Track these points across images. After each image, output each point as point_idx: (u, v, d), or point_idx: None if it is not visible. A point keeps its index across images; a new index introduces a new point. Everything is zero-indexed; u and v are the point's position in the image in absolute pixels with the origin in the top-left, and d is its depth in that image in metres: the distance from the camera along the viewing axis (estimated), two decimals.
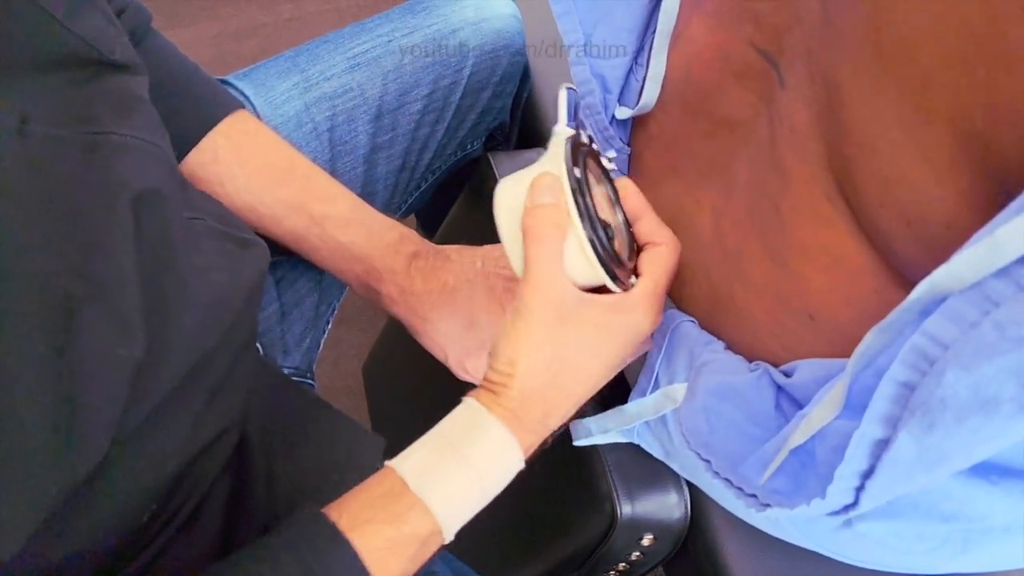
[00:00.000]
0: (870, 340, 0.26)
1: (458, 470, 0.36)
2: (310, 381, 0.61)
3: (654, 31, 0.43)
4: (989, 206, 0.24)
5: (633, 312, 0.38)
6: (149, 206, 0.34)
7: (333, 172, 0.59)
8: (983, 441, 0.22)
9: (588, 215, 0.36)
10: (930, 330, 0.24)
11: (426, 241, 0.52)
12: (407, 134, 0.63)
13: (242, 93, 0.57)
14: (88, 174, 0.32)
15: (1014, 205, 0.22)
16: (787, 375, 0.38)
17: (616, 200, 0.40)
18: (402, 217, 0.69)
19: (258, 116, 0.55)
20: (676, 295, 0.47)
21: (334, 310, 0.62)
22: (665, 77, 0.44)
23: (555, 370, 0.37)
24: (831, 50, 0.29)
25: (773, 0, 0.34)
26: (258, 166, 0.51)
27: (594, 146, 0.40)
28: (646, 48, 0.45)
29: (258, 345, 0.55)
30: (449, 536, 0.36)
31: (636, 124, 0.49)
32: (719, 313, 0.43)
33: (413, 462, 0.36)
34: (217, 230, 0.41)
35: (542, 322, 0.37)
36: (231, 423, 0.41)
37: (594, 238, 0.36)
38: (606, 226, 0.37)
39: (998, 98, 0.23)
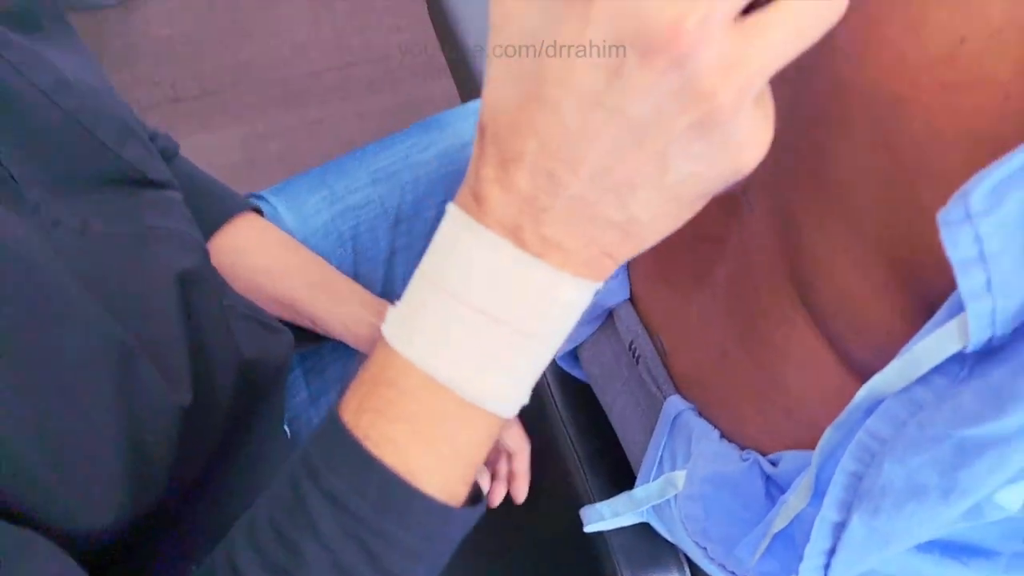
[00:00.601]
0: (828, 436, 0.30)
1: (434, 297, 0.27)
2: None
3: None
4: (919, 320, 0.29)
5: None
6: (191, 283, 0.40)
7: (356, 275, 0.64)
8: (919, 524, 0.26)
9: None
10: (871, 428, 0.28)
11: None
12: (423, 236, 0.69)
13: (274, 208, 0.63)
14: (139, 259, 0.38)
15: (930, 324, 0.26)
16: (774, 464, 0.42)
17: None
18: None
19: (287, 228, 0.62)
20: (678, 383, 0.51)
21: None
22: None
23: (523, 68, 0.24)
24: (785, 186, 0.35)
25: None
26: (263, 259, 0.57)
27: None
28: None
29: (286, 428, 0.60)
30: (490, 396, 0.28)
31: None
32: (713, 405, 0.47)
33: (395, 311, 0.29)
34: (247, 315, 0.47)
35: (499, 26, 0.24)
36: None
37: None
38: None
39: (918, 237, 0.28)
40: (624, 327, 0.53)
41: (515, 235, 0.26)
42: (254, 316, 0.46)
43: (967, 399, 0.24)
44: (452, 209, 0.27)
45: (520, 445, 0.53)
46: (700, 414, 0.47)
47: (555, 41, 0.22)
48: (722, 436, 0.46)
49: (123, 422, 0.34)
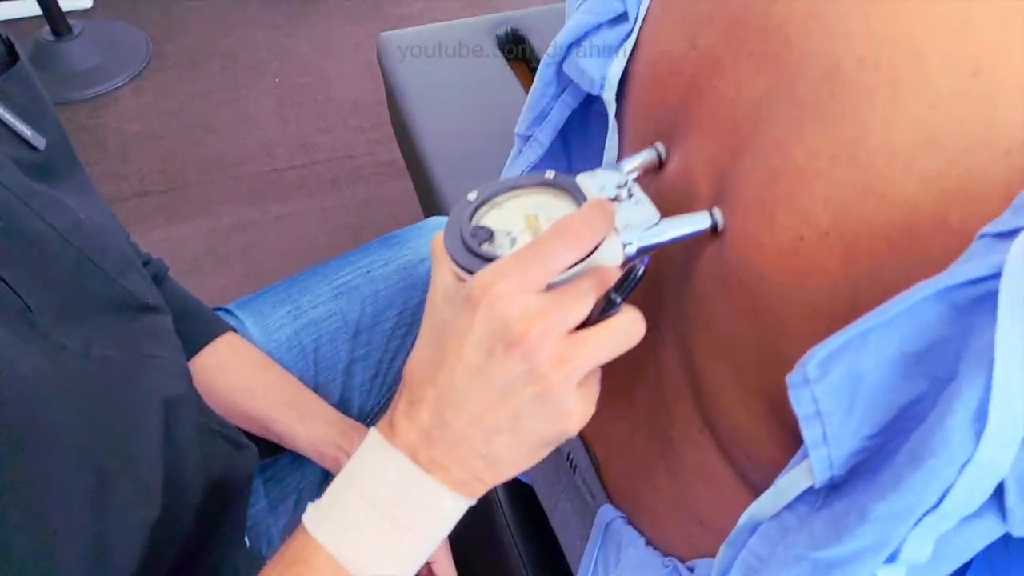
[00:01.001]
0: (722, 552, 0.35)
1: (347, 494, 0.35)
2: None
3: None
4: (794, 452, 0.35)
5: (472, 296, 0.33)
6: (174, 409, 0.44)
7: (316, 385, 0.69)
8: None
9: (461, 219, 0.37)
10: (752, 547, 0.33)
11: None
12: (380, 347, 0.74)
13: (241, 321, 0.68)
14: (131, 383, 0.43)
15: (792, 462, 0.32)
16: (691, 570, 0.47)
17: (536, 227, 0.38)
18: (377, 415, 0.79)
19: (253, 342, 0.66)
20: (610, 492, 0.56)
21: None
22: None
23: (435, 344, 0.35)
24: (686, 328, 0.41)
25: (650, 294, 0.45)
26: (240, 378, 0.62)
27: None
28: None
29: (246, 538, 0.62)
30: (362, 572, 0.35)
31: None
32: (640, 514, 0.52)
33: (314, 505, 0.37)
34: (220, 432, 0.51)
35: (427, 309, 0.36)
36: None
37: (457, 234, 0.36)
38: (482, 228, 0.36)
39: (785, 387, 0.34)
40: None
41: (413, 455, 0.35)
42: (225, 433, 0.50)
43: (818, 526, 0.30)
44: (373, 431, 0.36)
45: (436, 555, 0.57)
46: (629, 522, 0.52)
47: (455, 329, 0.34)
48: (648, 543, 0.51)
49: (91, 538, 0.37)
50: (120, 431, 0.40)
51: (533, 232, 0.37)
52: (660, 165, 0.41)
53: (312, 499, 0.68)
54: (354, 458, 0.36)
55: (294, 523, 0.68)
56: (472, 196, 0.38)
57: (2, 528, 0.33)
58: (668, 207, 0.37)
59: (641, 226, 0.36)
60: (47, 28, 1.91)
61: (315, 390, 0.67)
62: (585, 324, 0.34)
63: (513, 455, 0.35)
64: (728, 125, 0.35)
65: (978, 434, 0.24)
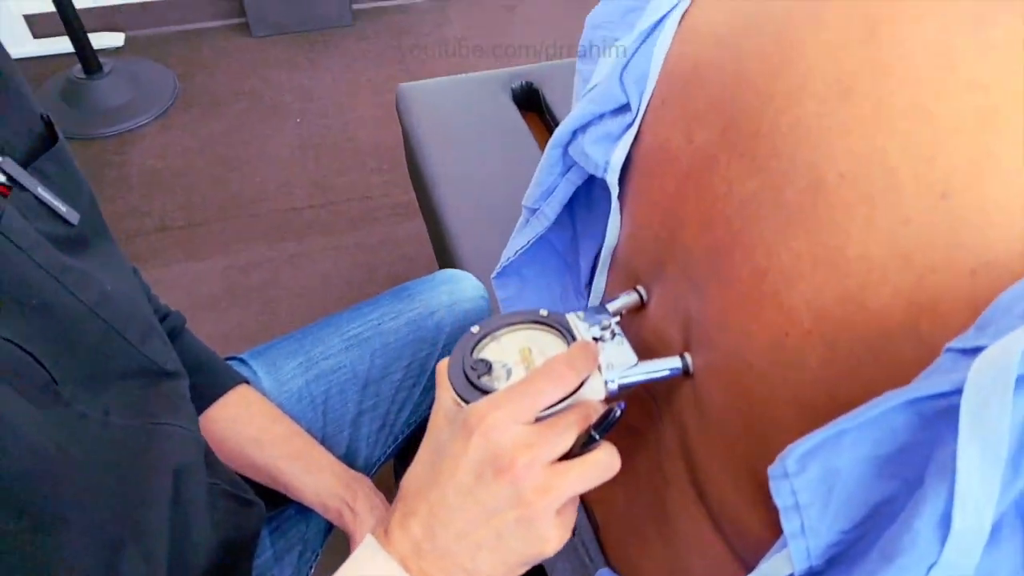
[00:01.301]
0: None
1: None
2: None
3: None
4: (779, 534, 0.36)
5: (468, 423, 0.37)
6: (184, 475, 0.46)
7: (324, 436, 0.70)
8: None
9: (464, 351, 0.41)
10: None
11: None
12: (388, 398, 0.76)
13: (254, 371, 0.70)
14: (145, 451, 0.44)
15: (773, 549, 0.33)
16: None
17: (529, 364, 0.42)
18: (382, 465, 0.80)
19: (264, 392, 0.68)
20: (608, 555, 0.57)
21: (317, 555, 0.71)
22: None
23: (432, 462, 0.39)
24: (681, 406, 0.43)
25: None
26: (251, 430, 0.63)
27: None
28: None
29: None
30: None
31: None
32: None
33: None
34: (228, 492, 0.52)
35: (429, 428, 0.40)
36: None
37: (459, 364, 0.40)
38: (481, 361, 0.40)
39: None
40: None
41: (404, 562, 0.39)
42: (233, 492, 0.52)
43: None
44: (369, 536, 0.40)
45: None
46: None
47: (451, 451, 0.38)
48: None
49: None
50: (132, 500, 0.42)
51: (526, 365, 0.42)
52: (642, 305, 0.46)
53: (316, 551, 0.70)
54: (350, 561, 0.39)
55: (297, 574, 0.70)
56: (475, 329, 0.43)
57: None
58: (647, 346, 0.44)
59: (622, 366, 0.41)
60: (79, 66, 1.98)
61: (323, 441, 0.68)
62: (567, 455, 0.38)
63: (494, 571, 0.38)
64: (720, 218, 0.37)
65: (943, 539, 0.25)
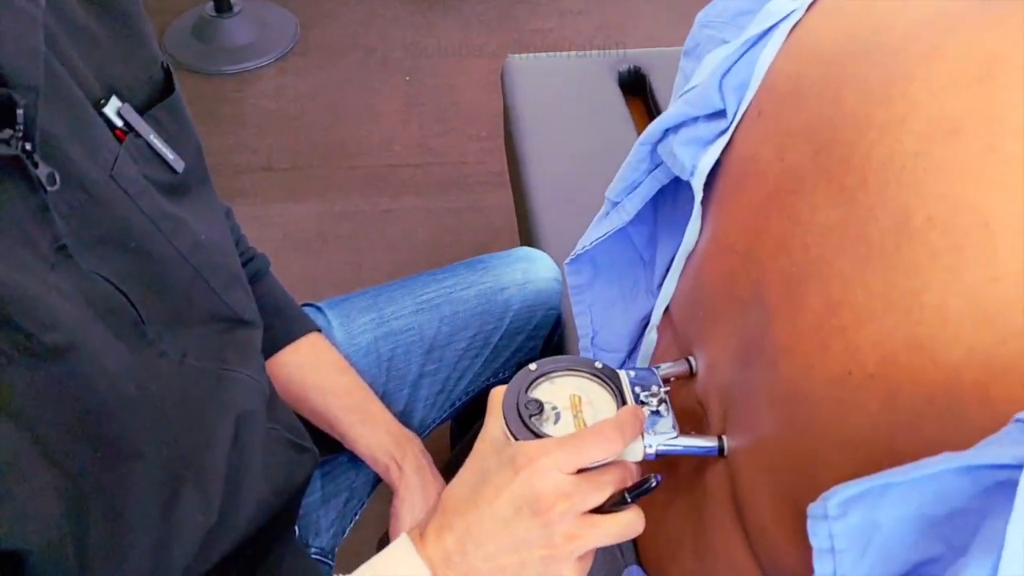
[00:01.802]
0: None
1: None
2: (330, 562, 0.72)
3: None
4: (811, 571, 0.35)
5: (516, 461, 0.40)
6: (246, 422, 0.49)
7: (384, 392, 0.73)
8: None
9: (520, 386, 0.43)
10: None
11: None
12: (450, 365, 0.77)
13: (328, 321, 0.72)
14: (214, 395, 0.47)
15: None
16: None
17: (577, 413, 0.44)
18: (436, 427, 0.82)
19: (335, 342, 0.71)
20: (641, 555, 0.57)
21: (363, 504, 0.74)
22: None
23: (475, 485, 0.42)
24: (729, 423, 0.42)
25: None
26: (316, 378, 0.66)
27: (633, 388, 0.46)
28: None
29: (295, 527, 0.67)
30: None
31: None
32: None
33: None
34: (285, 438, 0.55)
35: (475, 451, 0.43)
36: None
37: (514, 398, 0.43)
38: (534, 401, 0.43)
39: None
40: None
41: (433, 567, 0.42)
42: (290, 438, 0.55)
43: None
44: (404, 536, 0.43)
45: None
46: None
47: (495, 481, 0.41)
48: None
49: (156, 538, 0.42)
50: (196, 440, 0.45)
51: (574, 412, 0.45)
52: (691, 374, 0.48)
53: (363, 500, 0.73)
54: (386, 553, 0.42)
55: (341, 519, 0.73)
56: (533, 367, 0.46)
57: (82, 521, 0.38)
58: (689, 412, 0.47)
59: (663, 435, 0.44)
60: (212, 3, 2.07)
61: (383, 397, 0.71)
62: (599, 508, 0.41)
63: None
64: (799, 243, 0.36)
65: None
